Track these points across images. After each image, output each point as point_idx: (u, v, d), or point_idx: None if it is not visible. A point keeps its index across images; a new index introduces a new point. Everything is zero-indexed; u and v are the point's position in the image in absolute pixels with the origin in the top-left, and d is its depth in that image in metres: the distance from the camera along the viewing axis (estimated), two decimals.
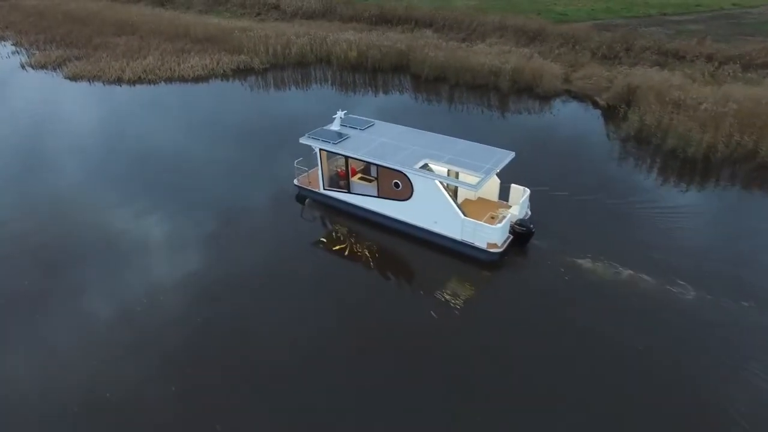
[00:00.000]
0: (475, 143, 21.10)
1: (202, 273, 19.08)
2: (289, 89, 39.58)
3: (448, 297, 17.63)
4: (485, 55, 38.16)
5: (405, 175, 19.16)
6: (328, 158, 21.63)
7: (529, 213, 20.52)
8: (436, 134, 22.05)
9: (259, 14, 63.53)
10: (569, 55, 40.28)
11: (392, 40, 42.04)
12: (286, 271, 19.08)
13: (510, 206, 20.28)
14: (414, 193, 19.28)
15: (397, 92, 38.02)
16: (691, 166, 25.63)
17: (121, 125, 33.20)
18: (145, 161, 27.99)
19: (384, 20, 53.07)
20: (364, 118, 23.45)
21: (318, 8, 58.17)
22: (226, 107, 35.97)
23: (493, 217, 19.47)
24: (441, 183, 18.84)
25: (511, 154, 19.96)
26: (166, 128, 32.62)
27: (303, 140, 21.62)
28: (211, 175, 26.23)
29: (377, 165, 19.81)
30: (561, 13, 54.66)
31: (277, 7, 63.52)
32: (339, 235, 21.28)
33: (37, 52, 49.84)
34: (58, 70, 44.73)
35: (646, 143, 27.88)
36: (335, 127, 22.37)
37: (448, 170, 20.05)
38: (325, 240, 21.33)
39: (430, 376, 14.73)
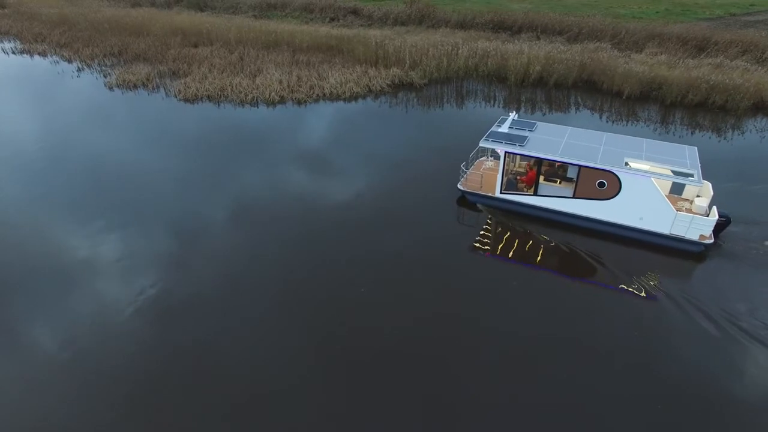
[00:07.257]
0: (651, 140, 21.40)
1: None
2: (463, 107, 33.84)
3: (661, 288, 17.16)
4: (685, 68, 34.23)
5: (614, 174, 18.87)
6: (509, 160, 21.18)
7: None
8: (608, 133, 22.03)
9: (333, 20, 57.01)
10: (755, 65, 37.03)
11: (565, 52, 37.21)
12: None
13: (688, 200, 19.93)
14: (621, 191, 18.95)
15: (590, 111, 33.14)
16: None
17: (313, 159, 26.59)
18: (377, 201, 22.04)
19: (502, 27, 48.26)
20: (526, 120, 22.92)
21: (414, 14, 52.42)
22: (410, 129, 30.01)
23: (678, 210, 19.12)
24: (655, 180, 18.51)
25: (695, 149, 20.14)
26: (369, 161, 26.09)
27: (484, 143, 20.84)
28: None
29: (580, 166, 19.33)
30: (634, 16, 51.80)
31: (355, 13, 57.26)
32: (524, 237, 20.08)
33: (110, 69, 41.41)
34: (157, 90, 36.85)
35: None
36: (505, 129, 21.62)
37: (650, 168, 19.42)
38: (513, 247, 19.62)
39: None
